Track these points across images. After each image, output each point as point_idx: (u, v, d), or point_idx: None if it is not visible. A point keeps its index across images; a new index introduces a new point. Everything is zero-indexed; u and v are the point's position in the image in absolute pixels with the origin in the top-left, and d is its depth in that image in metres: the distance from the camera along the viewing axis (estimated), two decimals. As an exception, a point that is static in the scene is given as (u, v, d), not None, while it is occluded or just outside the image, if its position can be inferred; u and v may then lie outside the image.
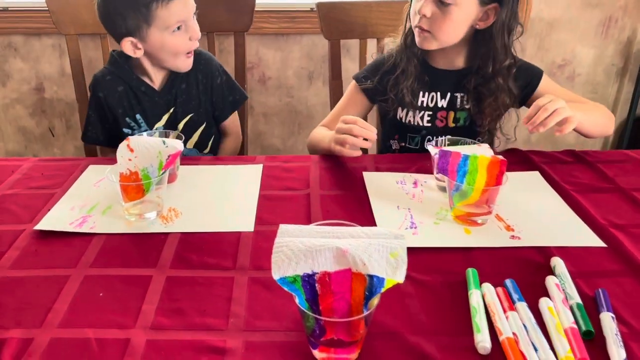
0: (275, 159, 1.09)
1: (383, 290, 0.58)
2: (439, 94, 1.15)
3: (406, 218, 0.86)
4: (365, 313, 0.58)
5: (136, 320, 0.66)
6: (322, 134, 1.15)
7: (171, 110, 1.23)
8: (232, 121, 1.35)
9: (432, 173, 0.99)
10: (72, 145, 2.10)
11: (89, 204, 0.91)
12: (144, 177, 0.88)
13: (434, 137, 1.16)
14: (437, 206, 0.90)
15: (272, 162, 1.08)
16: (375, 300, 0.58)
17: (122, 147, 0.88)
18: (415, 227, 0.84)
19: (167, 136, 1.00)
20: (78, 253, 0.78)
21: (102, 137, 1.24)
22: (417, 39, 1.10)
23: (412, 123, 1.17)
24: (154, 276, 0.74)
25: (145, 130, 1.21)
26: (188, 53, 1.16)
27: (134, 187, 0.86)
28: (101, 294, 0.70)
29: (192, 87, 1.24)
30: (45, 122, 2.07)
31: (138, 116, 1.21)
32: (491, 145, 1.13)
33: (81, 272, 0.74)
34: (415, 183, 0.98)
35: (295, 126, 2.09)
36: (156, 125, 1.23)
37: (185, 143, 1.10)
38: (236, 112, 1.35)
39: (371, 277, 0.58)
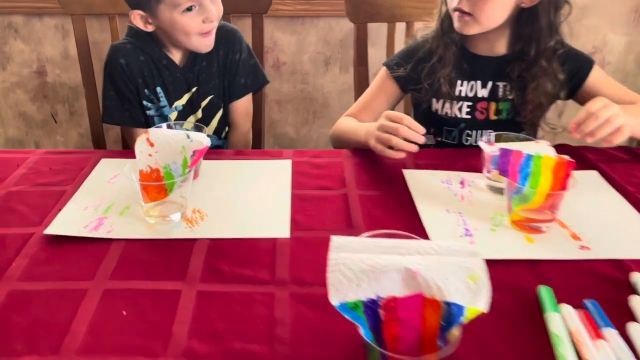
0: (303, 154, 1.00)
1: (464, 320, 0.49)
2: (479, 83, 1.06)
3: (459, 224, 0.78)
4: (446, 348, 0.49)
5: (167, 345, 0.57)
6: (352, 126, 1.06)
7: (193, 90, 1.14)
8: (243, 109, 1.22)
9: (478, 171, 0.90)
10: (75, 132, 2.01)
11: (104, 204, 0.82)
12: (166, 176, 0.79)
13: (474, 131, 1.07)
14: (490, 210, 0.81)
15: (300, 157, 0.98)
16: (455, 332, 0.50)
17: (141, 140, 0.79)
18: (471, 235, 0.75)
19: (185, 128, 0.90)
20: (95, 262, 0.69)
21: (124, 115, 1.14)
22: (456, 24, 1.00)
23: (449, 115, 1.08)
24: (183, 291, 0.65)
25: (164, 107, 1.13)
26: (205, 33, 1.06)
27: (156, 186, 0.77)
28: (124, 313, 0.62)
29: (212, 65, 1.15)
30: (47, 108, 1.96)
31: (159, 89, 1.12)
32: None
33: (100, 285, 0.66)
34: (462, 183, 0.89)
35: (309, 114, 2.00)
36: (176, 104, 1.14)
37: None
38: (250, 101, 1.24)
39: (448, 304, 0.50)
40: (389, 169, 0.94)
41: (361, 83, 1.35)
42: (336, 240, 0.56)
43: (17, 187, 0.87)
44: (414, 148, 0.87)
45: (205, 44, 1.07)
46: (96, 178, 0.90)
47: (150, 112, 1.13)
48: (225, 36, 1.15)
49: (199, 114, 1.17)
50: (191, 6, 1.01)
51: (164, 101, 1.13)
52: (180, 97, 1.15)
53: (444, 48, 1.04)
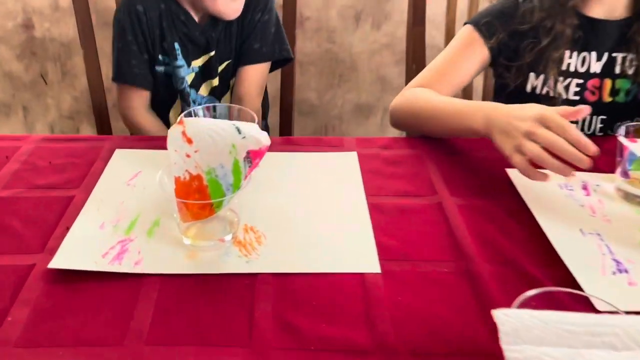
0: (370, 143, 0.79)
1: None
2: (593, 54, 0.84)
3: (603, 252, 0.58)
4: None
5: None
6: (446, 103, 0.79)
7: (211, 53, 0.95)
8: (253, 81, 1.01)
9: (600, 170, 0.70)
10: (69, 95, 1.77)
11: (126, 218, 0.62)
12: (210, 184, 0.59)
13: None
14: (635, 228, 0.62)
15: (367, 148, 0.78)
16: None
17: (175, 135, 0.58)
18: (627, 272, 0.56)
19: (221, 113, 0.69)
20: (123, 316, 0.50)
21: (131, 73, 0.96)
22: None
23: (550, 95, 0.86)
24: (251, 365, 0.46)
25: (181, 66, 0.93)
26: None
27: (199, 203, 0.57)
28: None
29: (232, 25, 0.98)
30: (35, 67, 1.72)
31: (176, 45, 0.92)
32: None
33: (131, 355, 0.46)
34: (585, 188, 0.69)
35: (335, 78, 1.77)
36: (193, 64, 0.95)
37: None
38: (264, 74, 1.03)
39: None
40: (487, 167, 0.74)
41: (417, 46, 1.12)
42: (504, 322, 0.36)
43: (8, 191, 0.66)
44: (573, 174, 0.62)
45: (232, 8, 0.90)
46: (111, 178, 0.69)
47: (160, 69, 0.97)
48: None
49: (215, 81, 1.01)
50: None
51: (181, 60, 0.94)
52: (197, 57, 0.98)
53: (553, 11, 0.81)
